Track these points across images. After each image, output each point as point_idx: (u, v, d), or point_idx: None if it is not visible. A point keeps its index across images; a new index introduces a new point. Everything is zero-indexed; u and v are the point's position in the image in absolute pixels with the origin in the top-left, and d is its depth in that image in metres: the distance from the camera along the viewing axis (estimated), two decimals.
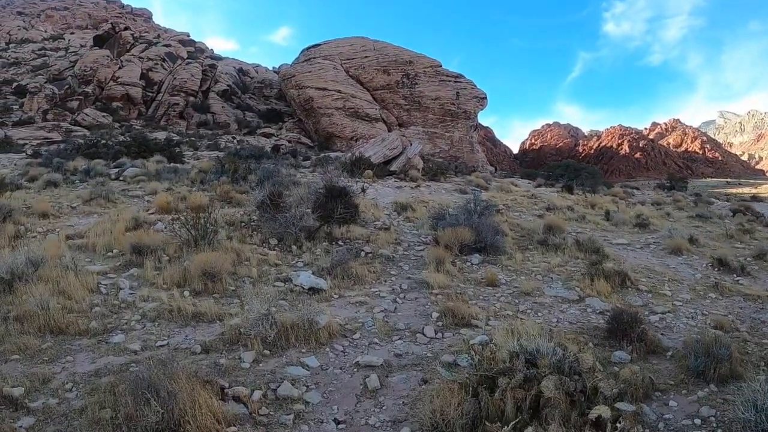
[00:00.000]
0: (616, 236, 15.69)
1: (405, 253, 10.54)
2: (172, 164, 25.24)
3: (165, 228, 11.29)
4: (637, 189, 40.35)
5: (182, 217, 10.16)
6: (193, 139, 44.15)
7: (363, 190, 12.78)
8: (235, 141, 46.18)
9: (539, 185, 34.68)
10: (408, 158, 31.88)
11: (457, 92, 58.24)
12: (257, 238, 10.51)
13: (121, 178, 19.96)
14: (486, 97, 60.72)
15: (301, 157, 34.01)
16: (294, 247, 10.00)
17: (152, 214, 14.04)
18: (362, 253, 9.96)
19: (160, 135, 40.22)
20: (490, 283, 8.55)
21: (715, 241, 16.18)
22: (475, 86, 60.63)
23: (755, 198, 38.46)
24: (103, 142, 31.44)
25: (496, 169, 62.40)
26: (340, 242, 10.81)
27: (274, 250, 9.90)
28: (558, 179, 36.81)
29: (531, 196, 21.50)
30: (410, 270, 9.37)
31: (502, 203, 19.07)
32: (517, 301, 7.96)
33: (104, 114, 48.96)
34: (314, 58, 57.86)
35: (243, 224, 11.65)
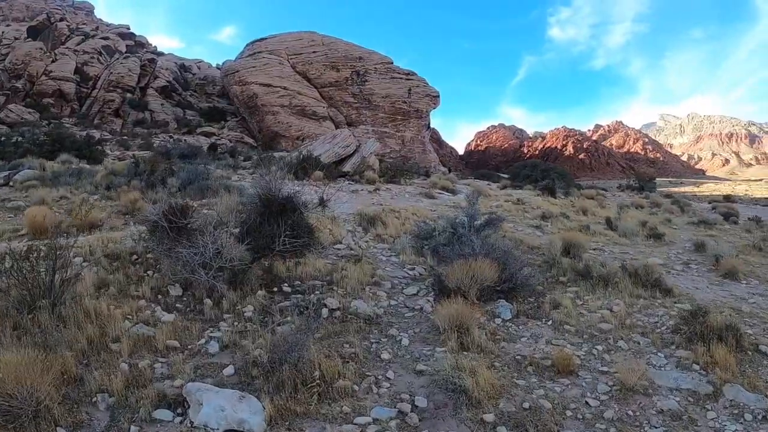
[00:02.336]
0: (638, 252, 12.43)
1: (392, 303, 6.51)
2: (80, 165, 20.68)
3: (11, 267, 6.92)
4: (605, 190, 38.02)
5: (14, 256, 5.81)
6: (125, 138, 39.98)
7: (322, 204, 8.28)
8: (171, 140, 41.30)
9: (505, 186, 31.74)
10: (363, 157, 28.10)
11: (409, 89, 54.99)
12: (149, 286, 6.23)
13: (11, 184, 16.01)
14: (438, 96, 57.88)
15: (242, 157, 29.62)
16: (208, 303, 5.75)
17: (18, 237, 9.63)
18: (324, 312, 5.84)
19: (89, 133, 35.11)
20: (563, 369, 4.74)
21: (746, 254, 13.25)
22: (428, 84, 57.60)
23: (729, 198, 36.80)
24: (13, 140, 26.33)
25: (449, 170, 59.57)
26: (285, 287, 6.64)
27: (173, 310, 5.59)
28: (524, 180, 33.89)
29: (517, 202, 17.98)
30: (412, 345, 5.31)
31: (488, 211, 15.43)
32: (629, 412, 4.20)
33: (31, 111, 44.33)
34: (259, 52, 53.31)
35: (135, 258, 7.35)
